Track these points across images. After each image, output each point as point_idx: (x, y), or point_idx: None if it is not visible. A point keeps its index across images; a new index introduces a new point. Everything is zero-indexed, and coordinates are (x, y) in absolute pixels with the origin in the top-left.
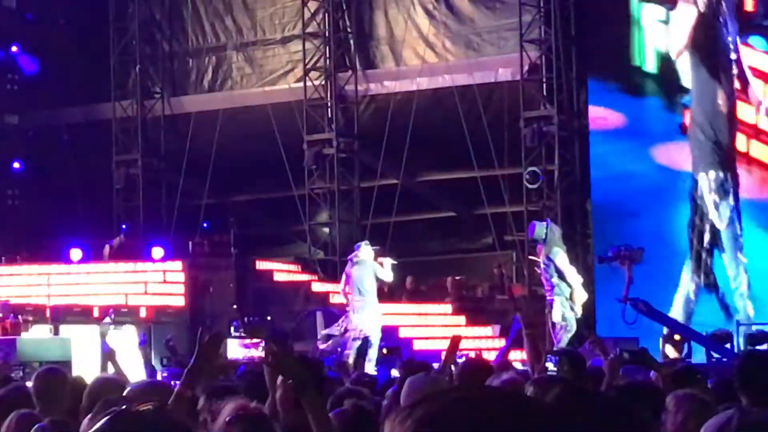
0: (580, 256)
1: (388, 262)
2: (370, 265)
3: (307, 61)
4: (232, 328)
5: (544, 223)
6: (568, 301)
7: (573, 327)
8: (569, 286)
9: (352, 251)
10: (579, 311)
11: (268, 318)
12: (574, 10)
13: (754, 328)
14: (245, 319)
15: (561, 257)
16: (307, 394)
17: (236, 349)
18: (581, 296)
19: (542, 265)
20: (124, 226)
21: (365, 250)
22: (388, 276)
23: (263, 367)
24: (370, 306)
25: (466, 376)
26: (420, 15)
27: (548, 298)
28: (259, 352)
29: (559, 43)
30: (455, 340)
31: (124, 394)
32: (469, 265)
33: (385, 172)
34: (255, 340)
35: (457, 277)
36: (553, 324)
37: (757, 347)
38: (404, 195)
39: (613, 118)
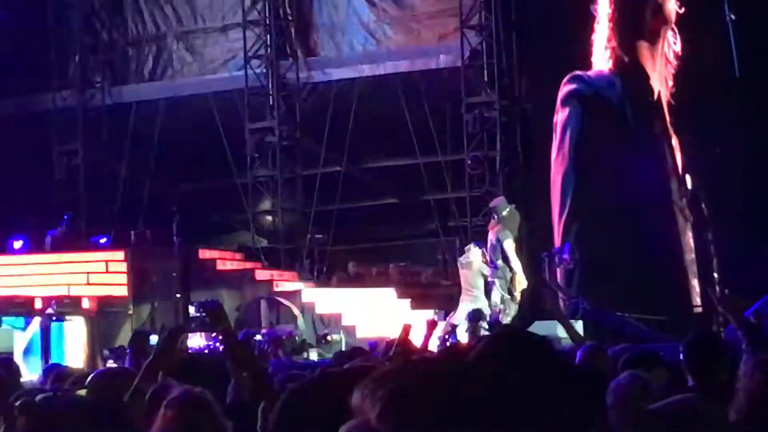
0: (523, 242)
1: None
2: (477, 267)
3: (248, 49)
4: (193, 309)
5: (512, 205)
6: (508, 285)
7: (511, 310)
8: (511, 270)
9: (462, 254)
10: (518, 297)
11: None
12: None
13: None
14: (203, 300)
15: (509, 242)
16: (261, 387)
17: (198, 339)
18: (522, 282)
19: (489, 244)
20: (66, 217)
21: (474, 252)
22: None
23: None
24: (477, 304)
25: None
26: (360, 2)
27: (489, 279)
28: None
29: (500, 29)
30: (406, 329)
31: (87, 381)
32: (413, 252)
33: (328, 160)
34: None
35: (400, 264)
36: (493, 306)
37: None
38: (347, 182)
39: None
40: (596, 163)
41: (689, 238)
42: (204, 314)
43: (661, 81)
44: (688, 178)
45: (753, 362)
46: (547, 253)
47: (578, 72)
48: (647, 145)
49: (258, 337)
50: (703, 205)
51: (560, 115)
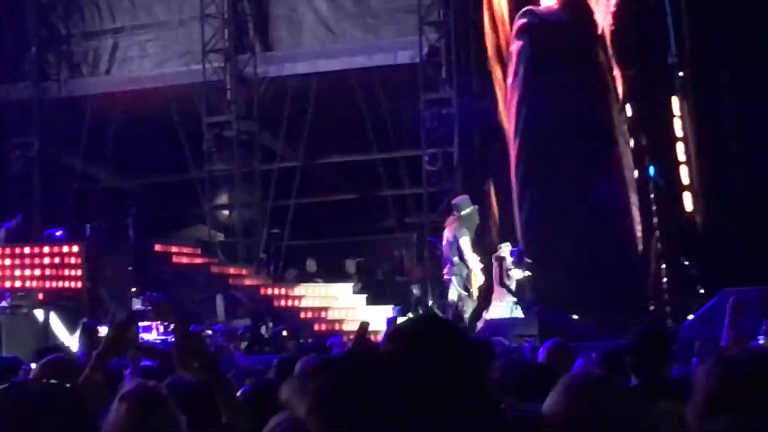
0: (483, 238)
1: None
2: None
3: (205, 43)
4: (140, 301)
5: (475, 206)
6: (465, 283)
7: (468, 307)
8: (467, 268)
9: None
10: (475, 294)
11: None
12: None
13: None
14: (147, 293)
15: (465, 240)
16: (213, 378)
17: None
18: (478, 280)
19: (445, 241)
20: (19, 216)
21: (504, 249)
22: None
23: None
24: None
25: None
26: None
27: (446, 277)
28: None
29: (458, 26)
30: (363, 327)
31: (32, 373)
32: (370, 248)
33: (286, 155)
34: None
35: (357, 260)
36: (450, 303)
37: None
38: (305, 177)
39: None
40: (545, 92)
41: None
42: (150, 307)
43: (604, 17)
44: (628, 107)
45: (714, 360)
46: (498, 256)
47: (530, 7)
48: (592, 77)
49: (209, 332)
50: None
51: (514, 46)
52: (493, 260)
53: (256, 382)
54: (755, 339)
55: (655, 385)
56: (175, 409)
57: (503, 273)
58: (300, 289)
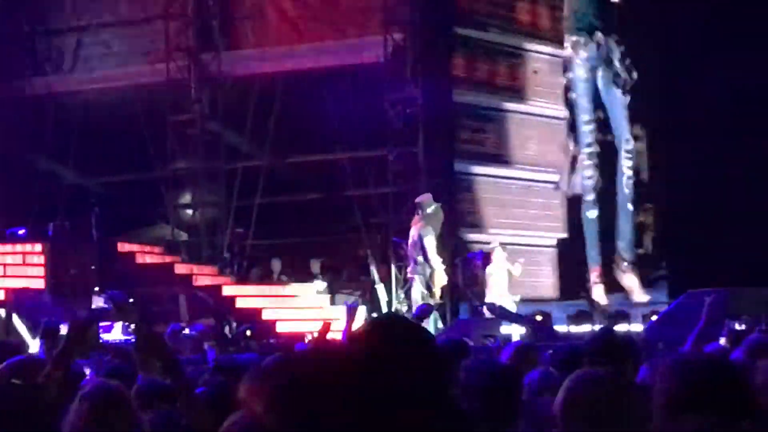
0: (445, 238)
1: (518, 267)
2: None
3: (170, 41)
4: (101, 300)
5: (438, 204)
6: (428, 282)
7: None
8: (431, 267)
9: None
10: (438, 293)
11: (131, 300)
12: None
13: None
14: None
15: (429, 239)
16: (174, 378)
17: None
18: (441, 280)
19: (411, 240)
20: None
21: (498, 253)
22: (517, 273)
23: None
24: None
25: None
26: None
27: (409, 275)
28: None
29: (423, 25)
30: (325, 327)
31: None
32: (335, 248)
33: (251, 154)
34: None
35: (322, 259)
36: (414, 303)
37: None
38: (270, 177)
39: None
40: None
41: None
42: (111, 306)
43: None
44: None
45: (671, 362)
46: (461, 258)
47: None
48: None
49: (186, 331)
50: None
51: None
52: (457, 262)
53: (212, 381)
54: (717, 341)
55: None
56: (137, 408)
57: (477, 273)
58: (264, 289)
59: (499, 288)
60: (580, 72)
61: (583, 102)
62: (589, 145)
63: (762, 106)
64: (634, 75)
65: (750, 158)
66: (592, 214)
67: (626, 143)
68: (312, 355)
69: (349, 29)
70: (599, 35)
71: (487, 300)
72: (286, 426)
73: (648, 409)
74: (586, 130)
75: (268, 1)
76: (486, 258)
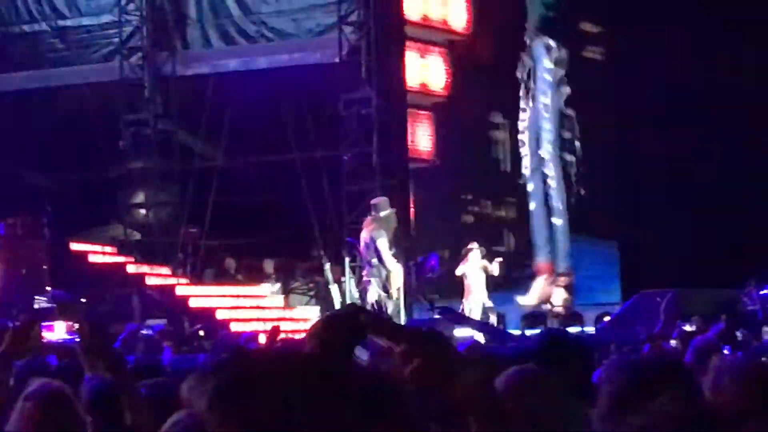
0: (400, 239)
1: (496, 264)
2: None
3: (123, 40)
4: (44, 299)
5: (393, 210)
6: (384, 284)
7: (388, 309)
8: (386, 268)
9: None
10: (394, 295)
11: (82, 300)
12: None
13: None
14: (52, 291)
15: (382, 241)
16: (118, 378)
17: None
18: (397, 281)
19: (363, 243)
20: None
21: (474, 253)
22: (496, 272)
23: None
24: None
25: None
26: None
27: (365, 278)
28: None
29: (378, 25)
30: (274, 330)
31: None
32: (288, 247)
33: (205, 154)
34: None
35: (275, 259)
36: (371, 305)
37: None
38: (224, 176)
39: None
40: None
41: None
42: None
43: None
44: None
45: (616, 363)
46: (414, 262)
47: None
48: None
49: (144, 331)
50: None
51: None
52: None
53: (155, 382)
54: (668, 340)
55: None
56: (80, 409)
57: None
58: (218, 289)
59: (477, 288)
60: (545, 75)
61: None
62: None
63: (698, 99)
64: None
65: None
66: (556, 221)
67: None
68: (256, 354)
69: (304, 29)
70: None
71: (465, 300)
72: (227, 425)
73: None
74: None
75: (223, 0)
76: (440, 260)
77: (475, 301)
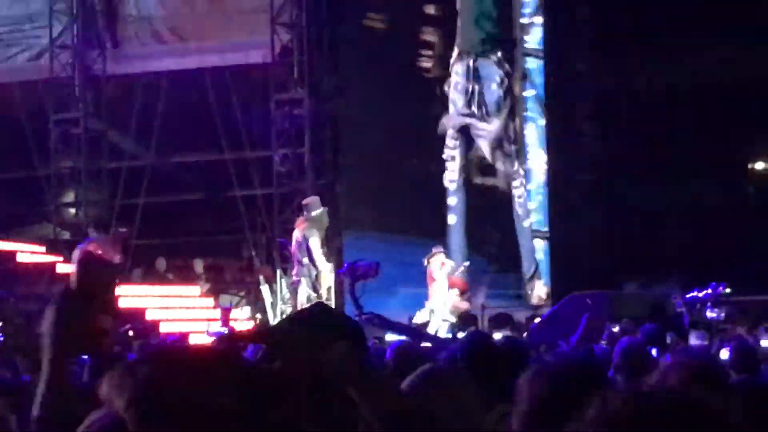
0: (332, 240)
1: (449, 264)
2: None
3: (53, 38)
4: None
5: (325, 209)
6: (314, 284)
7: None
8: (316, 268)
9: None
10: (324, 294)
11: (11, 300)
12: None
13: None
14: None
15: (314, 240)
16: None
17: None
18: (327, 281)
19: (295, 242)
20: None
21: (437, 258)
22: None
23: None
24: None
25: None
26: None
27: (295, 277)
28: None
29: (311, 26)
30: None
31: None
32: (219, 248)
33: (135, 153)
34: None
35: (205, 260)
36: (300, 305)
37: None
38: (154, 176)
39: None
40: None
41: None
42: None
43: None
44: None
45: (535, 368)
46: (347, 266)
47: None
48: None
49: None
50: None
51: None
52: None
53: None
54: (599, 342)
55: (489, 391)
56: (4, 407)
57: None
58: (147, 289)
59: (441, 293)
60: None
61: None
62: None
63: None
64: None
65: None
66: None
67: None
68: (176, 352)
69: (236, 29)
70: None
71: (431, 305)
72: (146, 422)
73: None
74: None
75: None
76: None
77: (438, 305)
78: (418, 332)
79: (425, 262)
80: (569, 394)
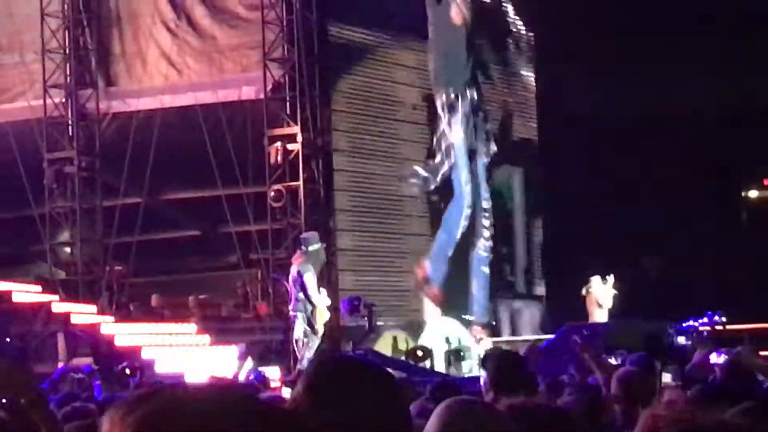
0: (324, 275)
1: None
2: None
3: (47, 77)
4: None
5: (323, 244)
6: (309, 319)
7: (314, 344)
8: (311, 304)
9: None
10: (320, 330)
11: (7, 339)
12: (317, 28)
13: None
14: None
15: (309, 276)
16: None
17: None
18: (323, 317)
19: (291, 277)
20: None
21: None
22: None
23: None
24: None
25: None
26: (162, 32)
27: (291, 313)
28: None
29: (303, 62)
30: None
31: None
32: (214, 284)
33: (128, 191)
34: None
35: (200, 296)
36: (296, 340)
37: None
38: (148, 214)
39: None
40: None
41: None
42: None
43: None
44: None
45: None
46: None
47: None
48: None
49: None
50: None
51: None
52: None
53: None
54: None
55: None
56: None
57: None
58: (143, 327)
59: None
60: (457, 129)
61: (462, 161)
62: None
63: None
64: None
65: None
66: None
67: (486, 201)
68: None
69: (229, 65)
70: (470, 89)
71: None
72: None
73: None
74: (467, 189)
75: (147, 37)
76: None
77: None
78: (413, 367)
79: None
80: None
